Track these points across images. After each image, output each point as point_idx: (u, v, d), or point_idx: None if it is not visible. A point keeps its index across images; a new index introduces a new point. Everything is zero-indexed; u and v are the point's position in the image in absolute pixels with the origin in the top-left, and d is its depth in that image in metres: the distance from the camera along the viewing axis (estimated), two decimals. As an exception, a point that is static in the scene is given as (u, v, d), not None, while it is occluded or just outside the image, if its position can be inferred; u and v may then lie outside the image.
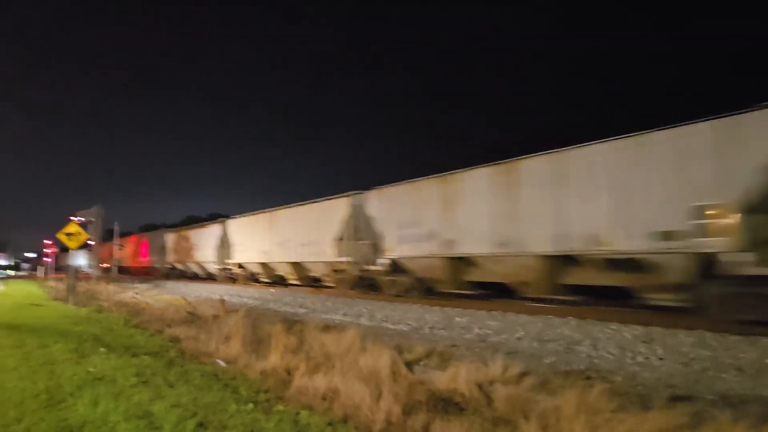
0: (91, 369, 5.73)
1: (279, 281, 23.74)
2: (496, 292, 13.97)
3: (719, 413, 3.95)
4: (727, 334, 7.89)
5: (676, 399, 4.58)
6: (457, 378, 4.88)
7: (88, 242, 24.62)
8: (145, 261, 41.05)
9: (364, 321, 10.95)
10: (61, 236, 15.57)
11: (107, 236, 46.83)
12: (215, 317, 9.99)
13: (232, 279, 27.69)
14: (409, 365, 5.88)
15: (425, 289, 15.23)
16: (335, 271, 18.75)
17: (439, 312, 11.88)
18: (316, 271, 20.57)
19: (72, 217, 25.62)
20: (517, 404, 4.27)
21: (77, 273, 18.20)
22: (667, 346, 7.27)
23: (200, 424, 3.87)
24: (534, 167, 12.24)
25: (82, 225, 19.80)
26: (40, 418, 4.07)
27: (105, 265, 47.17)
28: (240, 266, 26.69)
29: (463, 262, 13.72)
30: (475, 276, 13.73)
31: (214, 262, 28.81)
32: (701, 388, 5.15)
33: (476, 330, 9.18)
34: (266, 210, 24.66)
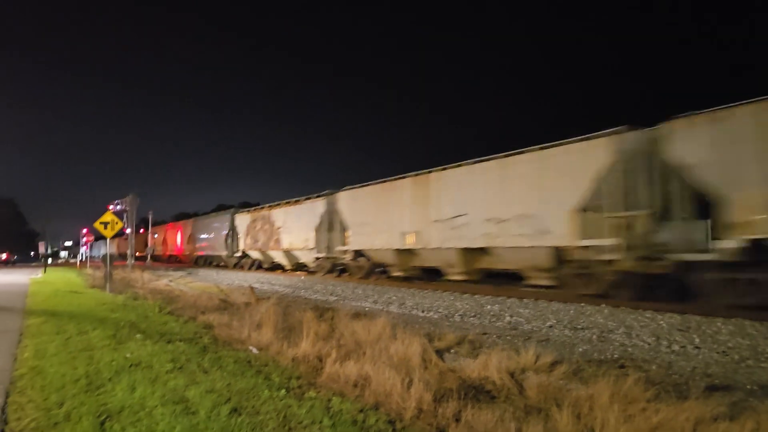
0: (128, 355, 5.90)
1: (424, 276, 17.38)
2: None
3: (759, 404, 3.86)
4: (767, 323, 7.66)
5: (713, 389, 4.49)
6: (488, 366, 4.88)
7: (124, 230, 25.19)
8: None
9: (394, 308, 10.97)
10: (98, 225, 15.95)
11: (144, 225, 47.99)
12: (247, 304, 10.15)
13: (338, 271, 21.66)
14: (440, 353, 5.88)
15: None
16: (563, 261, 12.26)
17: (470, 299, 11.82)
18: (516, 262, 13.48)
19: (110, 206, 26.33)
20: (550, 393, 4.25)
21: (113, 261, 18.66)
22: (704, 335, 7.10)
23: (234, 410, 3.94)
24: None
25: (118, 214, 20.29)
26: (80, 402, 4.20)
27: (140, 253, 48.44)
28: (358, 254, 19.61)
29: None
30: None
31: (313, 248, 22.09)
32: (740, 378, 5.02)
33: (507, 318, 9.11)
34: (408, 174, 17.17)
